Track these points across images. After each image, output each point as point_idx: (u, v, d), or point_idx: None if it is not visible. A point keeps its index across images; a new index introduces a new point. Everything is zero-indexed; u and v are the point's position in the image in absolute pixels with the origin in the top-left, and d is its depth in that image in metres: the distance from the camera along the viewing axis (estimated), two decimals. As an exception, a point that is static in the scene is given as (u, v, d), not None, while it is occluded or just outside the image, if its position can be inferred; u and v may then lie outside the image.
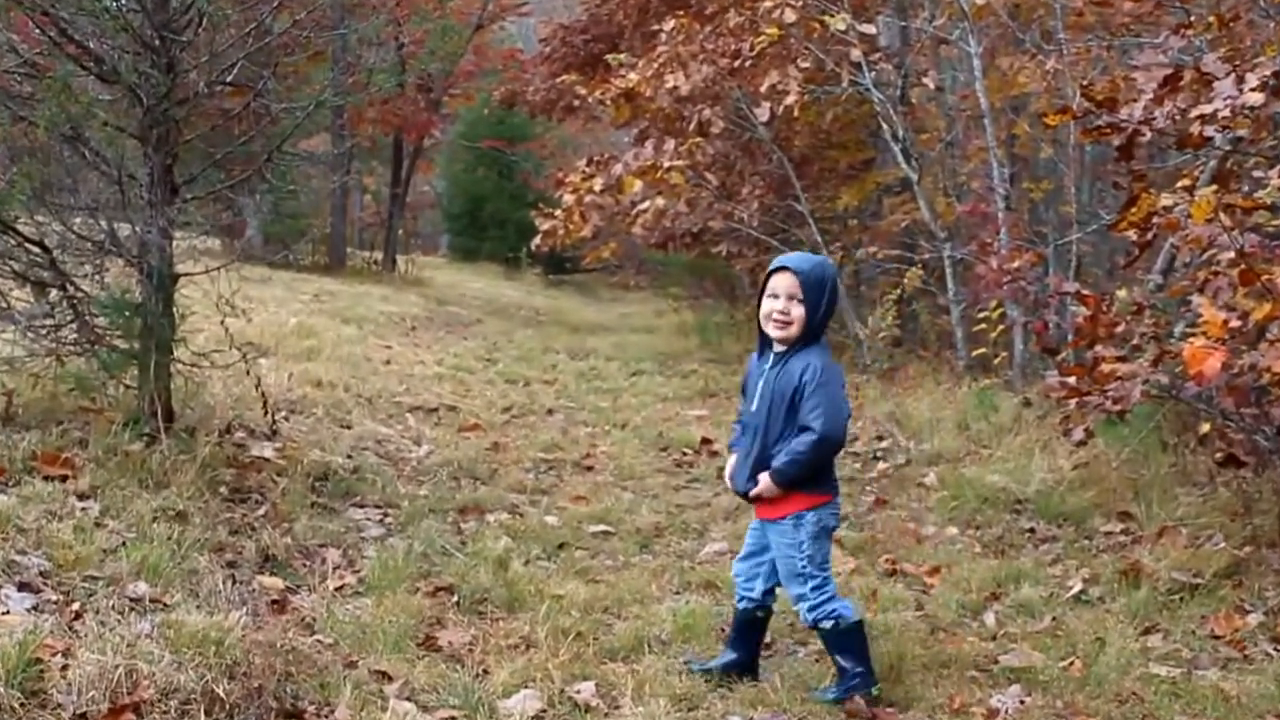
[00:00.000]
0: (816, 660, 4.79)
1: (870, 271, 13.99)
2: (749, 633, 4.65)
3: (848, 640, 4.46)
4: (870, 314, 12.04)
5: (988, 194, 11.12)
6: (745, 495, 4.53)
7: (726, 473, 4.69)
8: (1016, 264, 8.97)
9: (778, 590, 4.63)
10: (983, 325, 10.36)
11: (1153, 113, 5.91)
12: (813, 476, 4.43)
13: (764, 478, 4.42)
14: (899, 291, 11.84)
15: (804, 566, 4.45)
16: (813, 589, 4.46)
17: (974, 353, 10.88)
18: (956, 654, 4.84)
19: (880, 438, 9.13)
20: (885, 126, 11.75)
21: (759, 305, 4.54)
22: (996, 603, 5.56)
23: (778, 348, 4.49)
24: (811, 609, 4.46)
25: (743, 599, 4.64)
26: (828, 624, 4.45)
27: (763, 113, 11.95)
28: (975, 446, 8.46)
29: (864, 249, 12.94)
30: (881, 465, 8.44)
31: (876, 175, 13.97)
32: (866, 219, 14.68)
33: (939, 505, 7.24)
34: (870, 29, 11.54)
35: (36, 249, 6.14)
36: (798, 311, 4.42)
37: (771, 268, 4.52)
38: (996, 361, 10.46)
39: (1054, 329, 8.83)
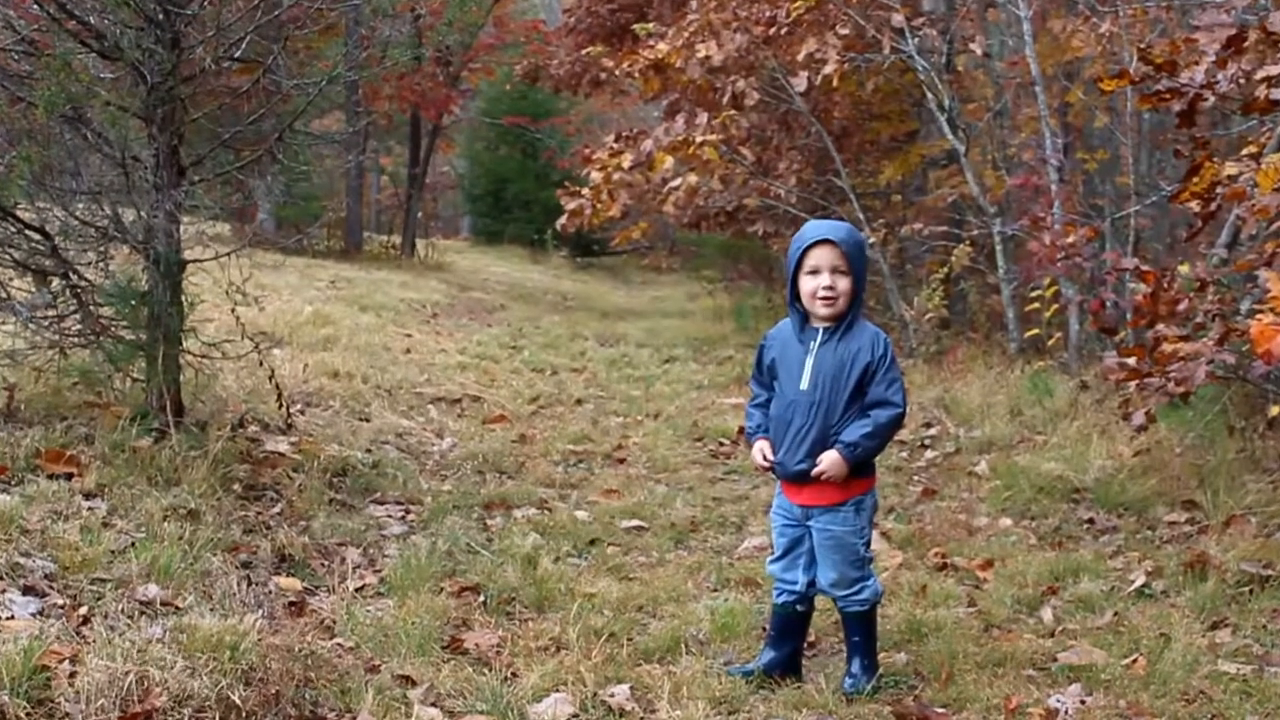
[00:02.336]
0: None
1: (915, 250, 13.93)
2: (790, 630, 4.63)
3: (875, 619, 4.62)
4: (916, 294, 11.99)
5: (1040, 166, 11.05)
6: (799, 478, 4.48)
7: (760, 458, 4.60)
8: (1071, 239, 8.92)
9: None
10: (1036, 305, 10.32)
11: (1215, 76, 5.86)
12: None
13: (832, 456, 4.37)
14: (946, 270, 11.79)
15: (864, 551, 4.52)
16: (869, 573, 4.56)
17: (1027, 334, 10.83)
18: (1012, 652, 4.80)
19: (928, 425, 9.10)
20: (930, 96, 11.70)
21: (791, 282, 4.49)
22: (1054, 598, 5.52)
23: (825, 324, 4.46)
24: (870, 593, 4.53)
25: (782, 593, 4.62)
26: (869, 606, 4.55)
27: (800, 83, 11.89)
28: (1029, 433, 8.42)
29: (908, 226, 12.88)
30: (930, 454, 8.41)
31: (921, 148, 13.91)
32: (911, 194, 14.62)
33: (991, 495, 7.21)
34: (913, -8, 11.49)
35: (37, 236, 6.15)
36: (844, 285, 4.39)
37: (806, 242, 4.44)
38: (1051, 343, 10.42)
39: (1112, 308, 8.78)
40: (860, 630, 4.55)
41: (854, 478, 4.43)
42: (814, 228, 4.51)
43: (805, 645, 4.74)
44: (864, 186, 13.97)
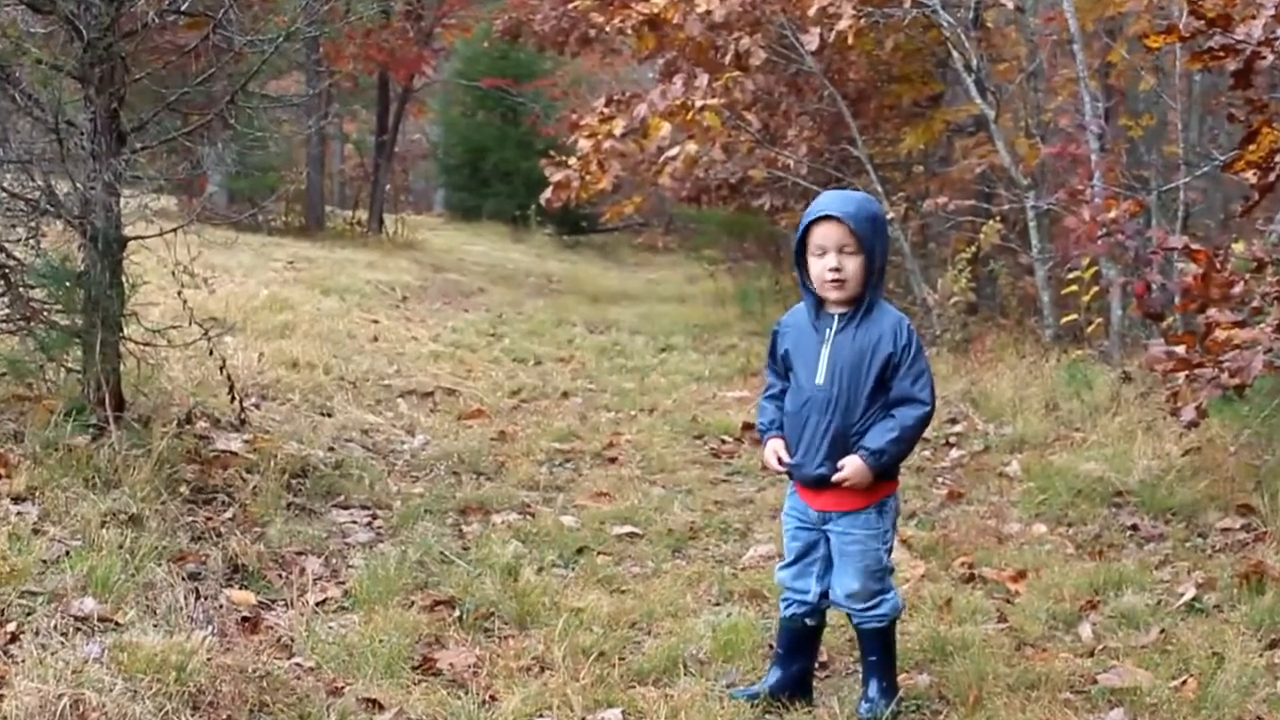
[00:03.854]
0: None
1: (940, 226, 13.94)
2: (800, 647, 4.61)
3: (895, 636, 4.62)
4: (940, 276, 11.98)
5: (1078, 133, 11.05)
6: (818, 483, 4.45)
7: (773, 459, 4.58)
8: (1113, 215, 8.91)
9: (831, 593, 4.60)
10: (1073, 288, 10.31)
11: (1275, 31, 5.85)
12: None
13: (856, 464, 4.34)
14: (974, 249, 11.79)
15: (887, 559, 4.50)
16: (890, 584, 4.54)
17: (1063, 320, 10.84)
18: (1047, 673, 4.80)
19: (953, 420, 9.10)
20: (956, 55, 11.68)
21: (799, 262, 4.48)
22: (1094, 612, 5.52)
23: (840, 309, 4.43)
24: (890, 607, 4.51)
25: (791, 604, 4.59)
26: (888, 622, 4.53)
27: (811, 41, 11.88)
28: (1066, 430, 8.43)
29: (932, 200, 12.84)
30: (955, 453, 8.41)
31: (946, 113, 13.92)
32: (935, 165, 14.64)
33: (1024, 499, 7.21)
34: (937, -61, 11.46)
35: (-40, 211, 6.14)
36: (853, 266, 4.34)
37: (810, 218, 4.40)
38: (1090, 330, 10.42)
39: (1158, 290, 8.77)
40: (878, 649, 4.54)
41: (877, 480, 4.41)
42: (819, 202, 4.48)
43: (817, 665, 4.73)
44: (882, 156, 13.96)
